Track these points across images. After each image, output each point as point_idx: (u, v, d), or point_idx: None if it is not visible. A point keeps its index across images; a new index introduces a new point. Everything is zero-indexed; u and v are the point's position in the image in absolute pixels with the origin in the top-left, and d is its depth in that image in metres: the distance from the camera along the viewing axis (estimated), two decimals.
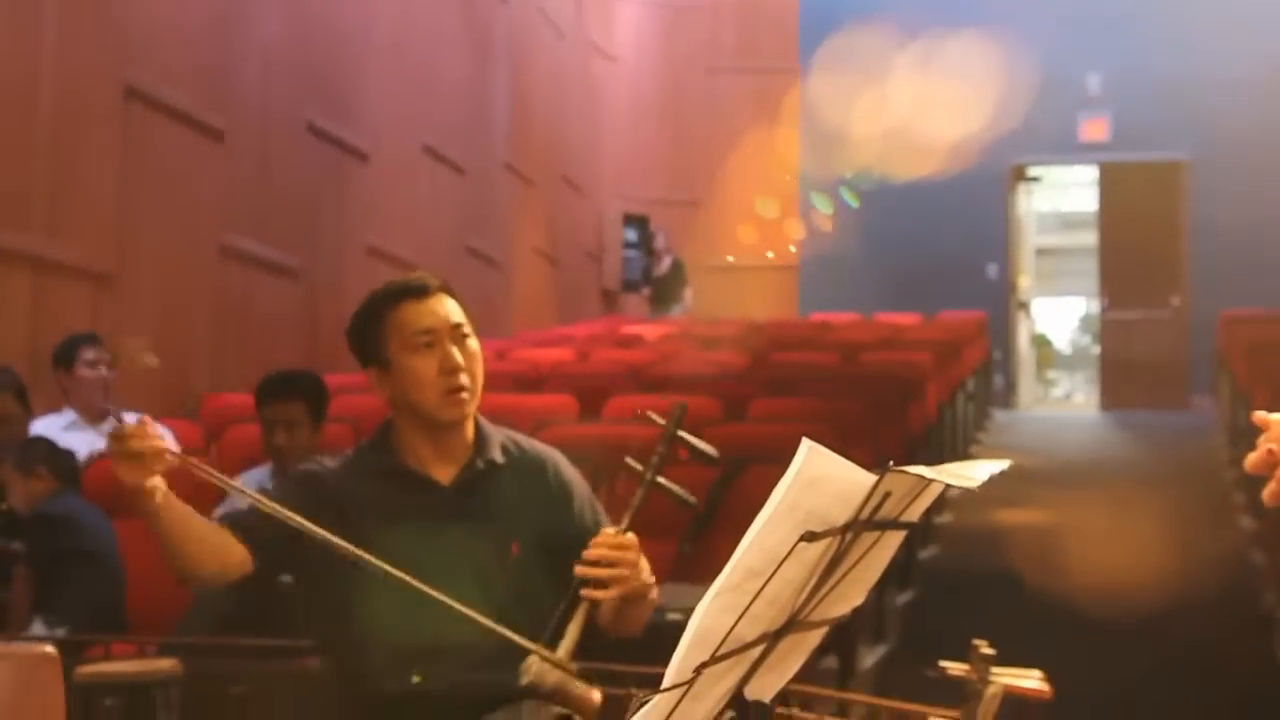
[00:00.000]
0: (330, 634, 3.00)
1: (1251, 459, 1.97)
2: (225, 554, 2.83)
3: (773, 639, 1.92)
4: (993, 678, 2.41)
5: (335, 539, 2.69)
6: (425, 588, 2.65)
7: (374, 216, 10.68)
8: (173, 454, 2.65)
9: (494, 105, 13.67)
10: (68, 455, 5.34)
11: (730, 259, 17.30)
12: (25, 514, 5.11)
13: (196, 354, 8.29)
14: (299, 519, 2.69)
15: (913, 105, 15.15)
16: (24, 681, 3.01)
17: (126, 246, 7.53)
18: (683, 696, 1.85)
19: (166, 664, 3.93)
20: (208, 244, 8.41)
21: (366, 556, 2.67)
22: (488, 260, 13.03)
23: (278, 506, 2.72)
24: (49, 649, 3.11)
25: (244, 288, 8.81)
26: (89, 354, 6.20)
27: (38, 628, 4.82)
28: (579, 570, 2.79)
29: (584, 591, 2.78)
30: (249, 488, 5.30)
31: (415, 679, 2.84)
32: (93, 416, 6.23)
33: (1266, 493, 1.98)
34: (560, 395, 7.88)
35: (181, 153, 8.13)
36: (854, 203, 16.13)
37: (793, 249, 17.24)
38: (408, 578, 2.64)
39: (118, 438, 2.64)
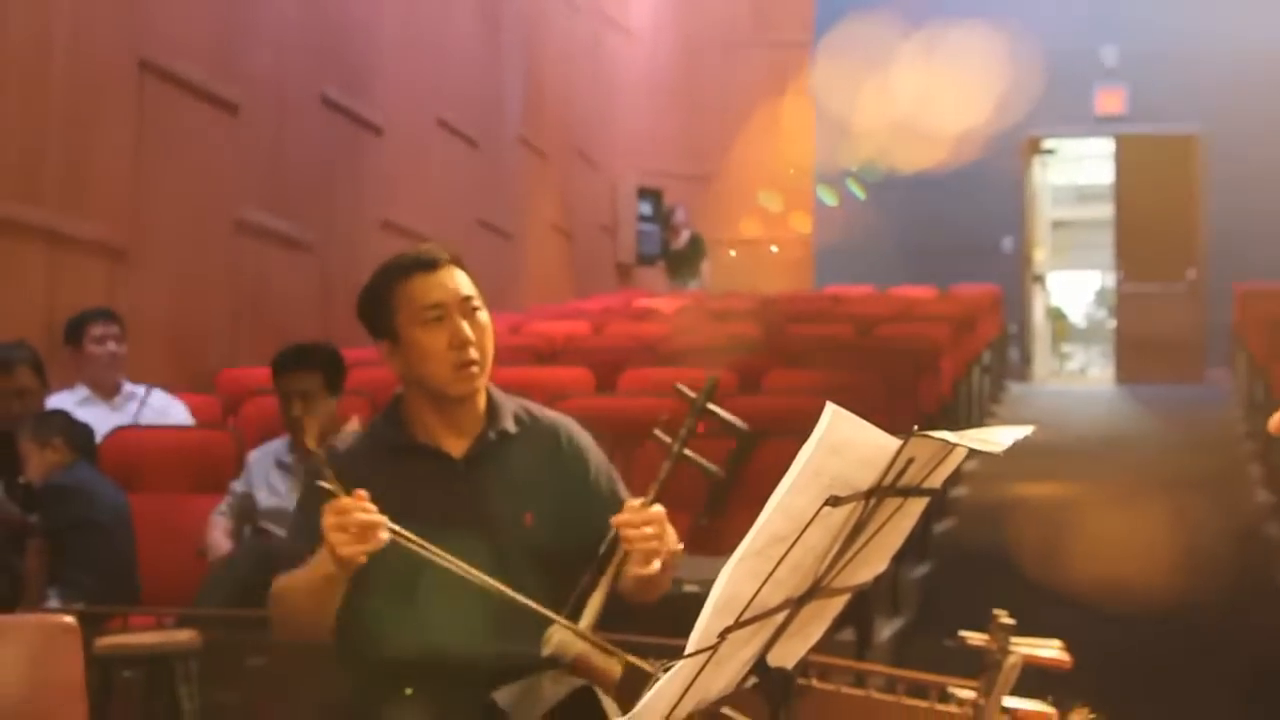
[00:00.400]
0: (344, 624, 2.99)
1: (1275, 420, 1.95)
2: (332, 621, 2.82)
3: (796, 605, 1.91)
4: (1012, 647, 2.42)
5: (418, 542, 2.69)
6: (464, 567, 2.66)
7: (388, 190, 10.68)
8: (387, 527, 2.64)
9: (507, 79, 13.65)
10: (84, 428, 5.34)
11: (732, 253, 17.23)
12: (39, 485, 5.12)
13: (212, 328, 8.29)
14: (402, 531, 2.69)
15: (928, 83, 15.08)
16: (44, 652, 3.01)
17: (141, 220, 7.53)
18: (706, 662, 1.84)
19: (185, 636, 3.94)
20: (223, 218, 8.41)
21: (441, 554, 2.68)
22: (501, 234, 13.02)
23: (418, 541, 2.70)
24: (68, 620, 3.11)
25: (259, 262, 8.80)
26: (96, 330, 6.18)
27: (52, 601, 4.83)
28: (628, 546, 2.77)
29: (635, 568, 2.76)
30: (267, 460, 5.35)
31: (408, 691, 2.83)
32: (105, 392, 6.23)
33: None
34: (575, 369, 7.86)
35: (196, 126, 8.13)
36: (861, 195, 16.10)
37: (806, 231, 17.20)
38: (462, 566, 2.66)
39: (336, 512, 2.62)
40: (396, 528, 2.66)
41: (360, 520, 2.61)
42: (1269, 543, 8.22)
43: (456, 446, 2.98)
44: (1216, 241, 15.69)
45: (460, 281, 2.97)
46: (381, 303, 2.98)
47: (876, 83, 15.12)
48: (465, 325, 2.93)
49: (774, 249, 17.32)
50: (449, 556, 2.69)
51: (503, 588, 2.70)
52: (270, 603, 2.85)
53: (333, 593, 2.73)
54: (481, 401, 3.00)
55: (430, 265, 2.96)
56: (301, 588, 2.76)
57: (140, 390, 6.39)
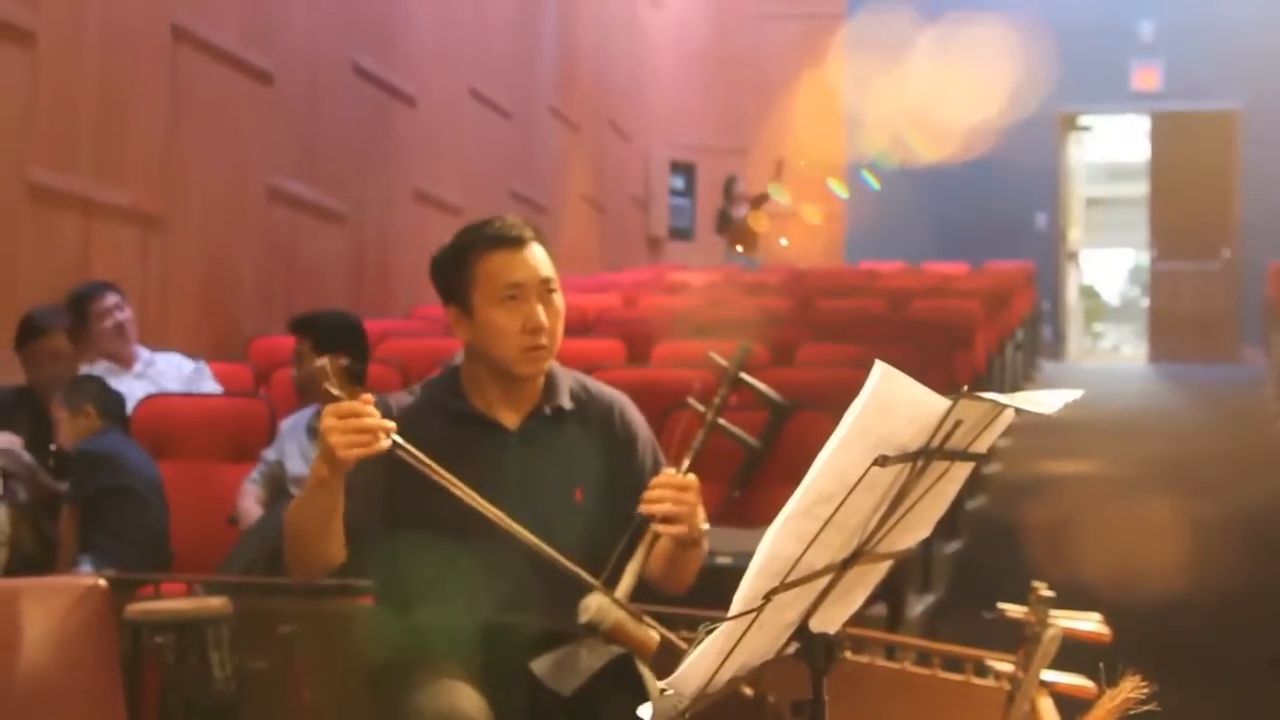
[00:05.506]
0: (383, 592, 2.98)
1: None
2: (341, 546, 2.79)
3: (841, 569, 1.90)
4: (1052, 620, 2.39)
5: (425, 461, 2.69)
6: (512, 523, 2.65)
7: (421, 160, 10.66)
8: (391, 436, 2.62)
9: (541, 49, 13.61)
10: (116, 395, 5.33)
11: (783, 241, 17.03)
12: (70, 451, 5.12)
13: (245, 296, 8.29)
14: (444, 473, 2.68)
15: (962, 56, 14.99)
16: (77, 615, 3.01)
17: (174, 189, 7.53)
18: (750, 624, 1.83)
19: (217, 602, 3.92)
20: (255, 187, 8.41)
21: (492, 511, 2.67)
22: (534, 205, 12.99)
23: (450, 477, 2.70)
24: (101, 583, 3.10)
25: (291, 231, 8.80)
26: (98, 305, 6.12)
27: (85, 567, 4.82)
28: (645, 507, 2.76)
29: (655, 526, 2.76)
30: (299, 428, 5.36)
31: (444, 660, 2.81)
32: (124, 361, 6.18)
33: None
34: (608, 341, 7.85)
35: (229, 95, 8.12)
36: (875, 185, 16.01)
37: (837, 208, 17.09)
38: (510, 522, 2.65)
39: (339, 415, 2.60)
40: (402, 441, 2.65)
41: (362, 424, 2.59)
42: None
43: (512, 419, 2.98)
44: (1252, 220, 15.60)
45: (541, 262, 2.96)
46: (459, 271, 2.96)
47: (907, 66, 15.04)
48: (540, 310, 2.92)
49: (783, 242, 17.17)
50: (474, 495, 2.69)
51: (538, 541, 2.69)
52: (284, 535, 2.81)
53: (328, 501, 2.68)
54: (541, 377, 3.00)
55: (515, 243, 2.94)
56: (300, 504, 2.74)
57: (155, 356, 6.35)
